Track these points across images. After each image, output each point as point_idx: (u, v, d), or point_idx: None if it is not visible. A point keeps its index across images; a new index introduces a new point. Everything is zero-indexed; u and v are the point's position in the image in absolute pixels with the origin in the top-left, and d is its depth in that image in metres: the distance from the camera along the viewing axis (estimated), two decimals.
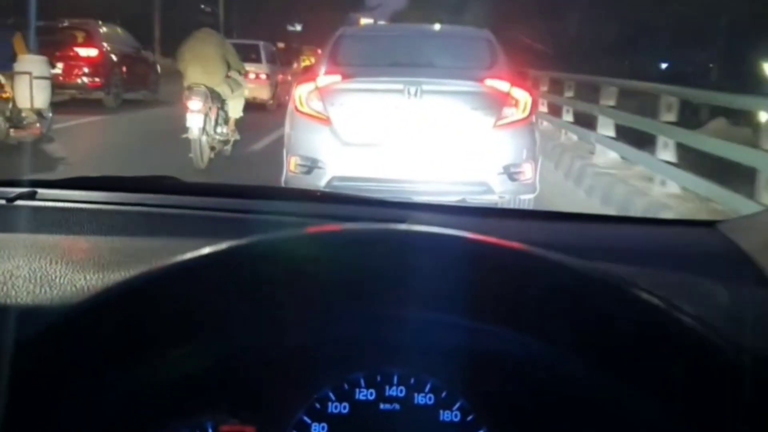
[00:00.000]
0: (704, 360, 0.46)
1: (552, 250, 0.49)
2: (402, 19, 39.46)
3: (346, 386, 0.58)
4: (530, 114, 4.50)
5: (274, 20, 31.52)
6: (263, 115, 8.20)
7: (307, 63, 15.97)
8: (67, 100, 11.04)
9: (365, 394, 0.58)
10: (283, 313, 0.52)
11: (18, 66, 7.43)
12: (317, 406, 0.57)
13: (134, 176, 1.16)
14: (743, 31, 16.28)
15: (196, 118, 6.31)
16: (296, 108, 4.57)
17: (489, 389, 0.56)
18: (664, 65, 21.75)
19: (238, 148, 7.30)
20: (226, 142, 7.01)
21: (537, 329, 0.51)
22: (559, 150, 8.06)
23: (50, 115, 7.87)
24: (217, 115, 6.76)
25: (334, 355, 0.57)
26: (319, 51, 5.86)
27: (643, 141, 6.47)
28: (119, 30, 14.24)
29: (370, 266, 0.50)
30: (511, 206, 4.51)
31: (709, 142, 5.40)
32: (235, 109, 7.03)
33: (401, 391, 0.58)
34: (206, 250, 0.48)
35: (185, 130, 6.47)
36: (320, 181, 4.42)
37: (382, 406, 0.58)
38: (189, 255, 0.48)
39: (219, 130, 6.81)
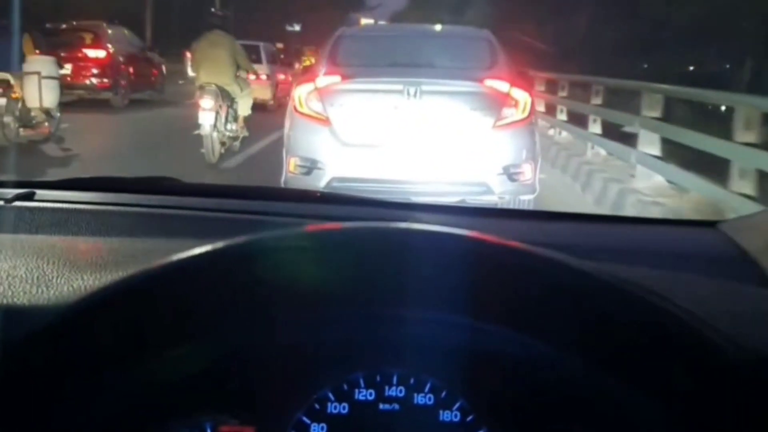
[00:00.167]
0: (705, 359, 0.46)
1: (553, 250, 0.49)
2: (402, 19, 39.38)
3: (345, 386, 0.58)
4: (530, 114, 4.49)
5: (273, 20, 31.40)
6: (264, 116, 8.29)
7: (307, 63, 15.99)
8: (75, 101, 11.18)
9: (365, 394, 0.58)
10: (281, 312, 0.51)
11: (27, 66, 7.52)
12: (316, 406, 0.57)
13: (132, 177, 1.16)
14: None
15: (207, 115, 6.66)
16: (296, 108, 4.57)
17: (489, 389, 0.56)
18: (690, 67, 18.82)
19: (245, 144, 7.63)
20: (235, 138, 7.35)
21: (537, 329, 0.51)
22: (586, 169, 6.67)
23: (58, 114, 7.97)
24: (227, 112, 7.08)
25: (333, 355, 0.57)
26: (320, 51, 5.92)
27: (698, 161, 5.15)
28: (125, 31, 14.50)
29: (369, 265, 0.49)
30: (511, 207, 4.51)
31: None
32: (244, 107, 7.39)
33: (401, 391, 0.58)
34: (203, 249, 0.47)
35: (195, 127, 6.82)
36: (320, 182, 4.41)
37: (381, 406, 0.58)
38: (186, 254, 0.47)
39: (229, 126, 7.15)
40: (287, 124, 4.68)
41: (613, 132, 7.39)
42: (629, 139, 6.49)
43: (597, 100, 8.02)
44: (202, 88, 6.89)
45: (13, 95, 7.38)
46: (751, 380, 0.45)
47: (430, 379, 0.58)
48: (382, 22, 24.53)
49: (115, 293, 0.47)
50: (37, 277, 0.69)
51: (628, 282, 0.47)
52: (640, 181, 5.69)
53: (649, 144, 5.88)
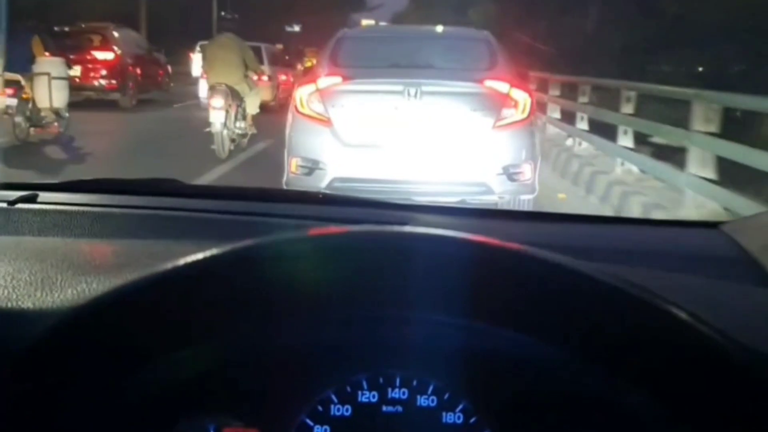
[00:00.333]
0: (708, 359, 0.46)
1: (554, 252, 0.49)
2: (403, 19, 39.18)
3: (348, 388, 0.57)
4: (529, 115, 4.49)
5: (272, 21, 31.22)
6: (265, 116, 8.43)
7: (309, 64, 16.01)
8: (83, 101, 11.36)
9: (368, 396, 0.57)
10: (285, 315, 0.51)
11: (36, 67, 7.70)
12: (319, 408, 0.57)
13: (135, 179, 1.16)
14: None
15: (218, 113, 7.01)
16: (297, 109, 4.56)
17: (492, 391, 0.56)
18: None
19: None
20: (244, 135, 7.65)
21: (539, 330, 0.50)
22: (618, 191, 5.60)
23: (67, 115, 8.06)
24: (237, 111, 7.41)
25: (336, 357, 0.57)
26: (321, 52, 5.99)
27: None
28: (132, 33, 14.80)
29: (372, 268, 0.49)
30: (511, 207, 4.51)
31: None
32: (252, 105, 7.72)
33: (404, 393, 0.58)
34: (208, 253, 0.47)
35: (204, 125, 7.18)
36: (321, 182, 4.41)
37: (384, 408, 0.57)
38: (191, 257, 0.47)
39: (238, 124, 7.48)
40: (289, 124, 4.68)
41: (644, 145, 6.42)
42: (665, 154, 5.69)
43: (628, 108, 6.66)
44: (212, 87, 7.21)
45: (24, 96, 7.56)
46: (754, 380, 0.45)
47: (433, 381, 0.57)
48: (382, 23, 24.46)
49: (121, 297, 0.47)
50: (42, 280, 0.69)
51: (630, 283, 0.47)
52: (690, 208, 4.75)
53: (701, 164, 4.78)
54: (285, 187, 4.57)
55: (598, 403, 0.52)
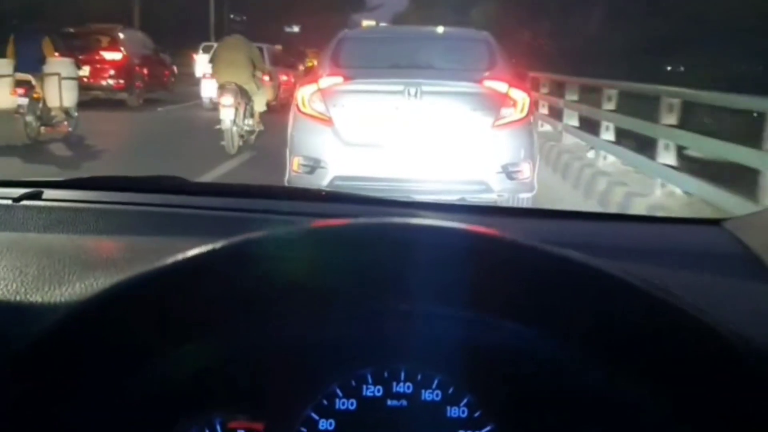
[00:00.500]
0: (711, 353, 0.45)
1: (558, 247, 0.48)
2: (404, 19, 39.06)
3: (353, 383, 0.57)
4: (528, 114, 4.49)
5: (271, 22, 31.03)
6: (266, 116, 8.56)
7: (310, 65, 15.99)
8: (91, 101, 11.40)
9: (372, 390, 0.57)
10: (289, 309, 0.51)
11: (47, 68, 7.76)
12: (325, 402, 0.56)
13: (139, 176, 1.15)
14: None
15: (228, 111, 7.25)
16: (299, 109, 4.56)
17: (496, 385, 0.55)
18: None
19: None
20: (251, 132, 7.87)
21: (544, 324, 0.50)
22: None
23: (76, 114, 8.11)
24: (245, 109, 7.64)
25: (341, 351, 0.56)
26: (321, 52, 6.08)
27: None
28: (139, 33, 14.97)
29: (375, 261, 0.49)
30: (510, 205, 4.50)
31: None
32: (260, 103, 7.99)
33: (408, 387, 0.57)
34: (210, 247, 0.47)
35: (211, 124, 7.43)
36: (323, 181, 4.41)
37: (389, 402, 0.57)
38: (193, 252, 0.47)
39: (246, 122, 7.72)
40: (291, 124, 4.67)
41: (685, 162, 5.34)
42: (716, 172, 4.77)
43: (670, 119, 5.41)
44: (222, 86, 7.43)
45: (35, 95, 7.65)
46: (756, 376, 0.44)
47: (438, 376, 0.57)
48: (383, 24, 24.38)
49: (124, 292, 0.47)
50: (49, 275, 0.69)
51: (635, 276, 0.46)
52: None
53: None
54: (287, 185, 4.56)
55: (601, 398, 0.51)
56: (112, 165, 6.97)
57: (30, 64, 7.58)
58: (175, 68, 15.96)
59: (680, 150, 5.39)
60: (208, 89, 12.52)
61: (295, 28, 36.67)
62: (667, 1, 15.73)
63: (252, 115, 7.87)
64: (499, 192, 4.42)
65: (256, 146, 7.76)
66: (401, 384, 0.57)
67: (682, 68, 15.82)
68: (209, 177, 6.36)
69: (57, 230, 0.92)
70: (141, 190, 1.09)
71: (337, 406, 0.57)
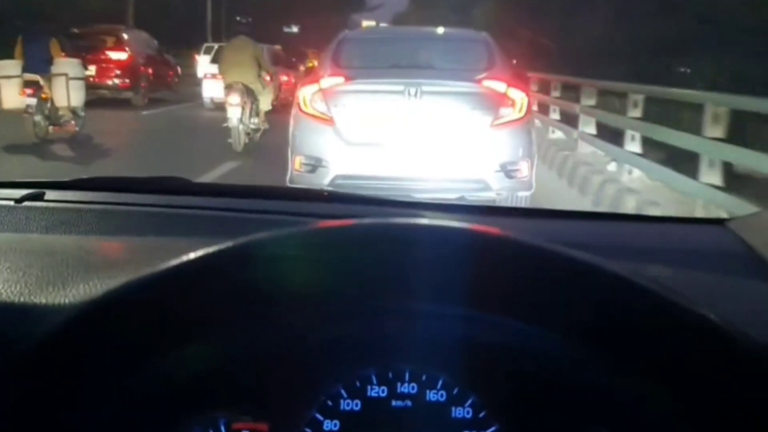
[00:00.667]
0: (714, 350, 0.44)
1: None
2: (404, 20, 39.03)
3: (357, 383, 0.56)
4: (526, 114, 4.48)
5: (270, 22, 30.90)
6: (267, 116, 8.58)
7: (310, 65, 15.95)
8: (97, 99, 11.47)
9: (377, 391, 0.56)
10: (293, 310, 0.50)
11: (55, 68, 7.77)
12: (329, 403, 0.55)
13: (141, 177, 1.14)
14: None
15: (235, 110, 7.40)
16: (300, 109, 4.56)
17: (501, 385, 0.54)
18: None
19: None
20: (257, 131, 7.99)
21: (548, 323, 0.48)
22: None
23: (83, 114, 8.14)
24: (251, 108, 7.75)
25: (345, 352, 0.55)
26: (321, 53, 6.21)
27: None
28: (144, 34, 14.92)
29: (379, 261, 0.48)
30: (509, 203, 4.49)
31: None
32: (265, 103, 8.09)
33: (413, 387, 0.56)
34: (213, 249, 0.46)
35: (215, 123, 7.59)
36: (324, 180, 4.41)
37: (393, 403, 0.56)
38: (195, 253, 0.46)
39: (252, 120, 7.83)
40: (292, 123, 4.67)
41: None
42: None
43: (715, 131, 4.58)
44: (229, 86, 7.54)
45: (43, 96, 7.70)
46: (762, 374, 0.43)
47: (442, 376, 0.56)
48: (383, 25, 24.31)
49: (128, 293, 0.46)
50: (51, 276, 0.68)
51: (638, 274, 0.45)
52: None
53: None
54: (289, 184, 4.55)
55: (605, 397, 0.50)
56: (123, 163, 7.11)
57: (38, 64, 7.61)
58: (179, 68, 15.98)
59: (726, 166, 4.53)
60: (210, 89, 12.59)
61: (294, 29, 36.44)
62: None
63: (257, 114, 7.98)
64: (497, 190, 4.42)
65: (260, 144, 7.88)
66: (406, 384, 0.56)
67: (688, 70, 14.31)
68: (218, 172, 6.54)
69: (59, 231, 0.91)
70: (143, 190, 1.08)
71: (341, 407, 0.55)
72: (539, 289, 0.47)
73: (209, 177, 6.14)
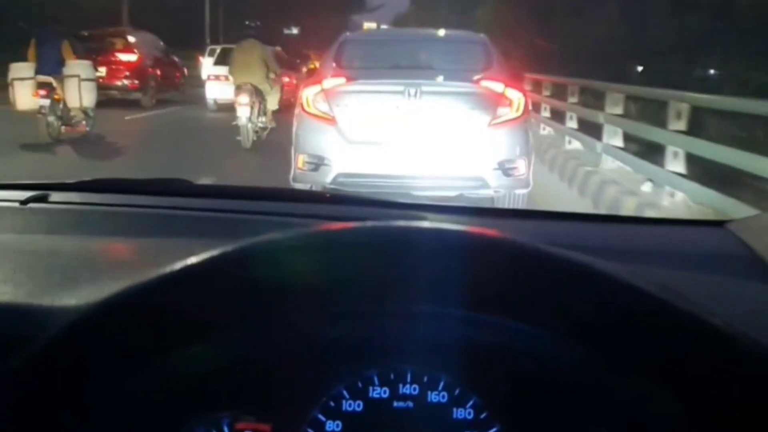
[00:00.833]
0: (714, 351, 0.43)
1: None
2: (405, 20, 38.80)
3: (360, 384, 0.55)
4: (523, 113, 4.47)
5: (270, 23, 30.55)
6: (275, 115, 8.65)
7: (312, 66, 15.89)
8: (106, 100, 11.54)
9: (379, 392, 0.55)
10: (296, 311, 0.49)
11: (66, 70, 7.79)
12: (331, 404, 0.54)
13: (145, 179, 1.13)
14: None
15: (244, 109, 7.61)
16: (303, 109, 4.55)
17: (502, 386, 0.53)
18: None
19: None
20: (264, 129, 8.19)
21: (549, 323, 0.47)
22: None
23: (92, 114, 8.13)
24: (259, 107, 7.95)
25: (347, 353, 0.54)
26: (323, 55, 6.29)
27: None
28: (151, 36, 14.88)
29: (381, 263, 0.47)
30: (506, 200, 4.48)
31: None
32: (273, 102, 8.28)
33: (415, 389, 0.55)
34: (217, 251, 0.45)
35: (221, 122, 7.78)
36: (326, 178, 4.40)
37: (395, 404, 0.54)
38: (200, 256, 0.45)
39: (260, 119, 8.03)
40: (295, 123, 4.67)
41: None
42: None
43: None
44: (239, 87, 7.74)
45: (56, 97, 7.71)
46: (763, 375, 0.42)
47: (444, 377, 0.54)
48: (384, 26, 24.18)
49: (134, 296, 0.45)
50: (56, 277, 0.67)
51: (638, 276, 0.44)
52: None
53: None
54: (292, 181, 4.55)
55: (606, 398, 0.49)
56: (137, 161, 7.20)
57: (50, 66, 7.64)
58: (185, 70, 15.94)
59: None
60: (213, 91, 12.62)
61: (294, 30, 35.99)
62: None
63: (265, 113, 8.18)
64: (495, 188, 4.41)
65: (266, 141, 8.03)
66: (407, 385, 0.55)
67: (712, 71, 12.43)
68: (229, 165, 6.83)
69: (64, 232, 0.90)
70: (147, 192, 1.07)
71: (343, 408, 0.54)
72: (539, 290, 0.46)
73: (222, 171, 6.32)
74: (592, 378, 0.48)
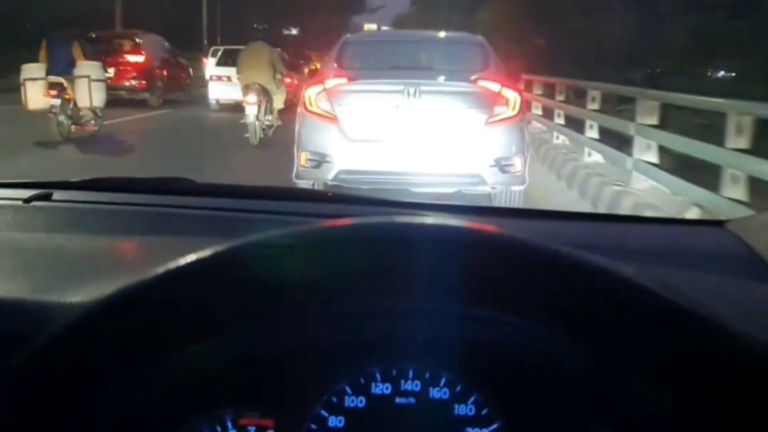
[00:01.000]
0: (714, 349, 0.42)
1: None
2: (405, 21, 38.49)
3: (362, 380, 0.54)
4: (519, 112, 4.47)
5: (270, 24, 30.06)
6: (280, 114, 8.75)
7: (313, 67, 15.75)
8: (114, 100, 11.51)
9: (381, 388, 0.54)
10: (298, 309, 0.48)
11: (77, 71, 7.82)
12: (334, 400, 0.53)
13: (148, 177, 1.12)
14: None
15: (252, 108, 7.78)
16: (306, 108, 4.55)
17: (502, 382, 0.52)
18: None
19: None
20: (271, 127, 8.36)
21: (550, 320, 0.46)
22: None
23: (101, 114, 8.16)
24: (266, 106, 8.15)
25: (350, 350, 0.53)
26: (324, 56, 6.39)
27: None
28: (158, 38, 14.92)
29: (384, 260, 0.45)
30: (503, 197, 4.48)
31: None
32: (279, 101, 8.47)
33: (416, 385, 0.54)
34: (219, 248, 0.44)
35: (227, 122, 8.06)
36: (328, 174, 4.41)
37: (397, 400, 0.54)
38: (203, 253, 0.44)
39: (267, 117, 8.23)
40: (298, 122, 4.67)
41: None
42: None
43: None
44: (247, 86, 7.91)
45: (66, 97, 7.73)
46: (763, 374, 0.41)
47: (445, 374, 0.54)
48: (384, 28, 24.01)
49: (137, 293, 0.44)
50: (59, 275, 0.66)
51: (639, 274, 0.43)
52: None
53: None
54: (295, 178, 4.56)
55: (611, 397, 0.48)
56: (151, 157, 7.27)
57: (61, 67, 7.66)
58: (191, 70, 15.95)
59: None
60: (215, 91, 12.65)
61: (294, 31, 35.29)
62: None
63: (272, 112, 8.37)
64: (492, 184, 4.41)
65: (272, 138, 8.20)
66: (409, 382, 0.54)
67: (731, 74, 11.00)
68: (239, 160, 7.01)
69: (67, 231, 0.89)
70: (149, 191, 1.06)
71: (346, 404, 0.53)
72: (538, 286, 0.45)
73: (232, 166, 6.60)
74: (592, 375, 0.47)
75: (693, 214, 4.20)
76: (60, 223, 0.90)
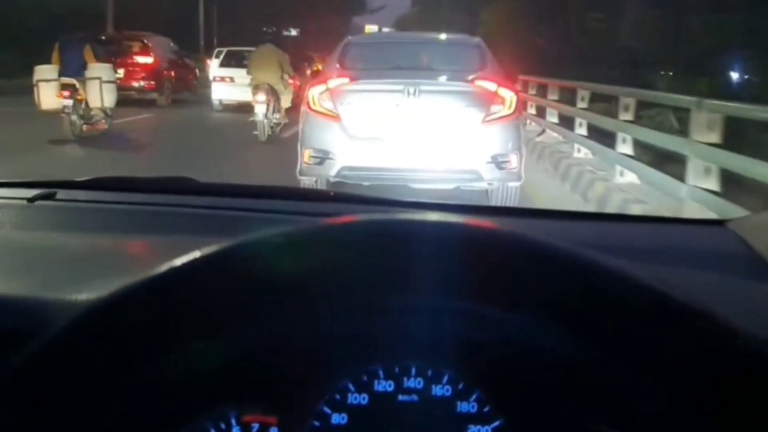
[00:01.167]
0: (715, 348, 0.40)
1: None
2: (406, 22, 38.06)
3: (365, 378, 0.52)
4: (515, 111, 4.48)
5: (269, 25, 29.56)
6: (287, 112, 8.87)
7: (316, 68, 15.63)
8: (123, 100, 11.50)
9: (384, 385, 0.52)
10: (300, 306, 0.46)
11: (89, 73, 7.89)
12: (337, 396, 0.52)
13: (151, 177, 1.10)
14: None
15: (261, 106, 8.00)
16: (309, 107, 4.56)
17: (505, 380, 0.51)
18: None
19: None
20: (278, 124, 8.59)
21: (552, 317, 0.44)
22: None
23: (110, 113, 8.20)
24: (274, 105, 8.38)
25: (353, 347, 0.52)
26: (326, 57, 6.44)
27: None
28: (166, 39, 14.94)
29: (386, 257, 0.44)
30: (500, 193, 4.50)
31: None
32: (286, 101, 8.74)
33: (419, 382, 0.52)
34: (221, 246, 0.42)
35: (233, 121, 8.31)
36: (331, 171, 4.43)
37: (400, 397, 0.52)
38: (205, 250, 0.42)
39: (275, 115, 8.45)
40: (302, 120, 4.67)
41: None
42: None
43: None
44: (257, 86, 8.14)
45: (78, 97, 7.77)
46: (758, 372, 0.39)
47: (448, 371, 0.52)
48: (386, 29, 23.83)
49: (140, 290, 0.42)
50: (63, 274, 0.65)
51: (641, 272, 0.41)
52: None
53: None
54: (299, 175, 4.58)
55: (608, 393, 0.46)
56: (164, 154, 7.33)
57: (73, 69, 7.70)
58: (197, 71, 15.95)
59: None
60: (219, 92, 12.61)
61: (294, 32, 34.40)
62: None
63: (279, 110, 8.58)
64: (489, 180, 4.43)
65: (279, 135, 8.41)
66: (412, 379, 0.52)
67: (753, 78, 9.84)
68: (248, 156, 7.22)
69: (70, 230, 0.87)
70: (152, 190, 1.04)
71: (349, 401, 0.52)
72: (541, 284, 0.43)
73: (242, 161, 6.79)
74: (593, 374, 0.46)
75: None
76: (63, 222, 0.89)
